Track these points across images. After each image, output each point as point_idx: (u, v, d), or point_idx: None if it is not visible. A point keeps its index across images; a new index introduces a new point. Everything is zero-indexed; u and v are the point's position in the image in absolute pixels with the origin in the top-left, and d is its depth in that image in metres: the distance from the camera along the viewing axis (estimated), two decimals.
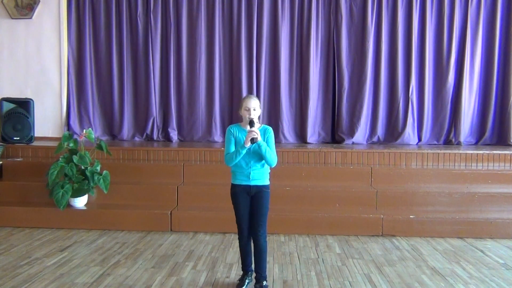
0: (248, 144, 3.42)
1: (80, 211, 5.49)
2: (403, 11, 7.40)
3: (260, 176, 3.61)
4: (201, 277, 3.93)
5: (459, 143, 7.36)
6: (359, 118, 7.42)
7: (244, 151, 3.48)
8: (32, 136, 6.81)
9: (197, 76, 7.54)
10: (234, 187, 3.67)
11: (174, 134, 7.57)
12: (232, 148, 3.58)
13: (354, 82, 7.48)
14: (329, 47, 7.51)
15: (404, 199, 5.54)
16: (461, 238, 5.17)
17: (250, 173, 3.57)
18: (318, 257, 4.47)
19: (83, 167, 5.48)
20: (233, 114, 7.60)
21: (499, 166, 6.25)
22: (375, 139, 7.51)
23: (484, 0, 7.34)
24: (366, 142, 7.49)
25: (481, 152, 6.34)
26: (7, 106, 6.75)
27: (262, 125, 3.64)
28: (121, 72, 7.59)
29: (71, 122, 7.57)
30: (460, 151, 6.36)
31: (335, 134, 7.59)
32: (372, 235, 5.21)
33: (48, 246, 4.74)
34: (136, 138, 7.67)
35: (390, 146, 7.02)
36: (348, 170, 5.97)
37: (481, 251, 4.74)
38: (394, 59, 7.41)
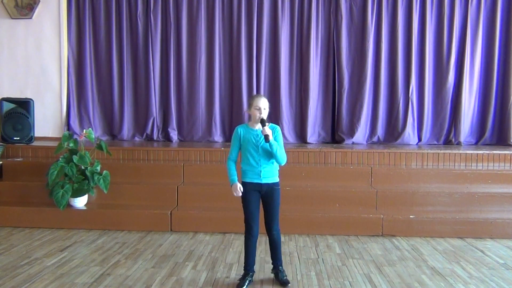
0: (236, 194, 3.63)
1: (80, 211, 5.49)
2: (403, 11, 7.40)
3: (270, 174, 3.69)
4: (201, 277, 3.93)
5: (459, 143, 7.36)
6: (359, 118, 7.42)
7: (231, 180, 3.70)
8: (32, 136, 6.81)
9: (197, 76, 7.54)
10: (245, 185, 3.71)
11: (174, 134, 7.57)
12: (236, 150, 3.73)
13: (354, 82, 7.48)
14: (329, 47, 7.51)
15: (404, 199, 5.54)
16: (461, 238, 5.17)
17: (261, 172, 3.66)
18: (318, 257, 4.47)
19: (83, 167, 5.48)
20: (233, 114, 7.60)
21: (499, 166, 6.25)
22: (375, 139, 7.51)
23: (484, 0, 7.34)
24: (366, 142, 7.49)
25: (481, 152, 6.35)
26: (7, 106, 6.75)
27: (270, 123, 3.71)
28: (121, 72, 7.59)
29: (71, 122, 7.57)
30: (460, 151, 6.36)
31: (335, 134, 7.59)
32: (372, 235, 5.21)
33: (48, 246, 4.74)
34: (136, 138, 7.67)
35: (390, 146, 7.02)
36: (348, 170, 5.97)
37: (481, 251, 4.74)
38: (394, 59, 7.42)
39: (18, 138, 6.72)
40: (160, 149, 6.53)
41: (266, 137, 3.51)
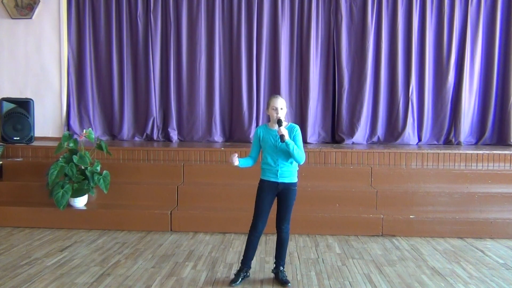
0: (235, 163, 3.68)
1: (80, 211, 5.49)
2: (403, 11, 7.40)
3: (288, 173, 3.73)
4: (201, 277, 3.93)
5: (459, 143, 7.36)
6: (359, 118, 7.42)
7: (243, 165, 3.78)
8: (32, 136, 6.81)
9: (197, 76, 7.54)
10: (262, 182, 3.79)
11: (174, 134, 7.57)
12: (255, 150, 3.83)
13: (354, 82, 7.48)
14: (329, 47, 7.51)
15: (404, 199, 5.54)
16: (461, 238, 5.17)
17: (278, 171, 3.71)
18: (318, 257, 4.47)
19: (83, 167, 5.48)
20: (233, 114, 7.61)
21: (499, 166, 6.25)
22: (375, 139, 7.51)
23: (484, 0, 7.34)
24: (366, 142, 7.49)
25: (481, 152, 6.35)
26: (7, 106, 6.74)
27: (289, 123, 3.77)
28: (121, 72, 7.59)
29: (71, 122, 7.57)
30: (460, 151, 6.36)
31: (335, 134, 7.59)
32: (372, 235, 5.21)
33: (48, 246, 4.74)
34: (136, 138, 7.67)
35: (390, 146, 7.03)
36: (348, 170, 5.97)
37: (481, 251, 4.74)
38: (394, 59, 7.42)
39: (18, 138, 6.71)
40: (160, 149, 6.53)
41: (282, 137, 3.56)
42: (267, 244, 4.83)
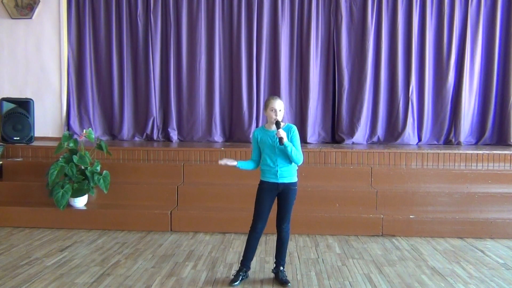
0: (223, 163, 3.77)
1: (80, 211, 5.49)
2: (403, 11, 7.40)
3: (287, 173, 3.74)
4: (201, 277, 3.93)
5: (459, 143, 7.36)
6: (359, 118, 7.42)
7: (242, 167, 3.82)
8: (32, 136, 6.81)
9: (197, 76, 7.54)
10: (262, 183, 3.81)
11: (174, 134, 7.57)
12: (255, 152, 3.84)
13: (354, 82, 7.48)
14: (329, 47, 7.51)
15: (404, 199, 5.54)
16: (461, 238, 5.17)
17: (277, 171, 3.72)
18: (318, 257, 4.47)
19: (83, 167, 5.48)
20: (233, 114, 7.61)
21: (499, 166, 6.25)
22: (375, 139, 7.51)
23: (484, 0, 7.34)
24: (366, 142, 7.49)
25: (481, 152, 6.35)
26: (7, 106, 6.74)
27: (286, 124, 3.77)
28: (121, 72, 7.59)
29: (71, 122, 7.57)
30: (460, 151, 6.36)
31: (335, 134, 7.59)
32: (372, 235, 5.21)
33: (48, 246, 4.74)
34: (136, 138, 7.67)
35: (390, 146, 7.03)
36: (348, 170, 5.97)
37: (481, 251, 4.74)
38: (394, 59, 7.42)
39: (18, 138, 6.71)
40: (160, 149, 6.53)
41: (280, 140, 3.56)
42: (267, 244, 4.83)
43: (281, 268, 3.83)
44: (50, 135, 7.49)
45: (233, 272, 3.92)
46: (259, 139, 3.79)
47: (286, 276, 3.81)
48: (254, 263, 3.94)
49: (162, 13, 7.56)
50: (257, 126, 7.38)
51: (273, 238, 5.00)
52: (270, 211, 3.81)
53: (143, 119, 7.64)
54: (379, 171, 5.90)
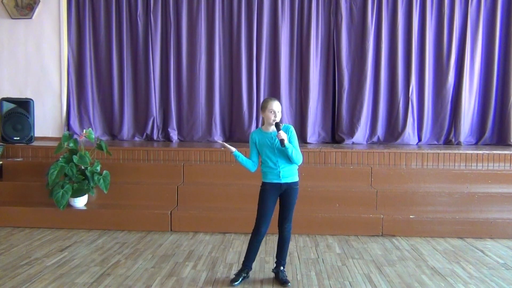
0: (233, 150, 3.75)
1: (80, 211, 5.49)
2: (403, 11, 7.40)
3: (290, 173, 3.75)
4: (201, 277, 3.93)
5: (459, 143, 7.36)
6: (359, 118, 7.42)
7: (239, 159, 3.80)
8: (32, 136, 6.81)
9: (197, 76, 7.54)
10: (264, 185, 3.79)
11: (174, 134, 7.57)
12: (254, 154, 3.82)
13: (354, 82, 7.48)
14: (329, 47, 7.51)
15: (404, 199, 5.54)
16: (461, 238, 5.17)
17: (280, 172, 3.71)
18: (318, 257, 4.47)
19: (83, 167, 5.48)
20: (233, 114, 7.61)
21: (499, 166, 6.24)
22: (375, 139, 7.51)
23: (484, 0, 7.34)
24: (366, 142, 7.49)
25: (481, 152, 6.34)
26: (7, 106, 6.75)
27: (284, 124, 3.75)
28: (121, 72, 7.59)
29: (71, 122, 7.57)
30: (460, 151, 6.36)
31: (335, 134, 7.59)
32: (372, 235, 5.21)
33: (48, 246, 4.74)
34: (136, 138, 7.67)
35: (390, 146, 7.03)
36: (348, 170, 5.97)
37: (481, 251, 4.74)
38: (394, 59, 7.42)
39: (18, 138, 6.71)
40: (160, 149, 6.53)
41: (282, 142, 3.56)
42: (267, 244, 4.83)
43: (282, 268, 3.84)
44: (50, 135, 7.49)
45: (234, 271, 3.91)
46: (257, 142, 3.78)
47: (286, 276, 3.82)
48: (254, 263, 3.94)
49: (162, 13, 7.56)
50: (257, 126, 7.38)
51: (273, 238, 5.01)
52: (272, 214, 3.80)
53: (143, 119, 7.64)
54: (379, 171, 5.90)
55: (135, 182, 5.84)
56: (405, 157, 6.27)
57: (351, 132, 7.44)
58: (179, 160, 6.30)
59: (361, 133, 7.44)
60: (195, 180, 5.88)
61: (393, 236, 5.21)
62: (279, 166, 3.71)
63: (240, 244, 4.79)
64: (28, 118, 6.79)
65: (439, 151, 6.34)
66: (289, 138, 3.68)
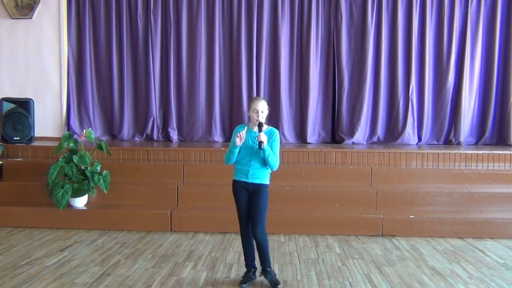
0: (239, 143, 3.56)
1: (80, 211, 5.49)
2: (403, 11, 7.40)
3: (259, 175, 3.68)
4: (201, 277, 3.93)
5: (459, 143, 7.36)
6: (359, 118, 7.42)
7: (236, 150, 3.63)
8: (32, 136, 6.81)
9: (197, 76, 7.54)
10: (234, 183, 3.78)
11: (174, 134, 7.57)
12: (235, 149, 3.66)
13: (354, 82, 7.48)
14: (329, 47, 7.51)
15: (404, 199, 5.54)
16: (461, 238, 5.17)
17: (248, 171, 3.66)
18: (318, 257, 4.47)
19: (83, 167, 5.48)
20: (233, 114, 7.61)
21: (499, 166, 6.25)
22: (375, 139, 7.51)
23: (484, 0, 7.34)
24: (366, 142, 7.49)
25: (481, 152, 6.34)
26: (7, 106, 6.74)
27: (269, 127, 3.71)
28: (121, 72, 7.59)
29: (71, 122, 7.57)
30: (460, 151, 6.36)
31: (335, 134, 7.59)
32: (372, 235, 5.21)
33: (48, 246, 4.74)
34: (136, 138, 7.67)
35: (390, 146, 7.03)
36: (348, 170, 5.97)
37: (481, 251, 4.74)
38: (394, 59, 7.42)
39: (18, 138, 6.71)
40: (160, 149, 6.53)
41: (260, 144, 3.50)
42: None
43: (268, 269, 3.74)
44: (50, 135, 7.49)
45: (235, 272, 3.92)
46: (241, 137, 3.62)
47: (275, 275, 3.77)
48: (256, 263, 3.91)
49: (162, 13, 7.56)
50: None
51: (273, 238, 5.03)
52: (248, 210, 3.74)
53: (143, 119, 7.64)
54: (379, 171, 5.90)
55: (135, 182, 5.84)
56: (405, 157, 6.27)
57: (351, 132, 7.44)
58: (179, 160, 6.30)
59: (361, 133, 7.44)
60: (195, 180, 5.87)
61: (393, 236, 5.21)
62: (249, 166, 3.65)
63: (240, 244, 4.76)
64: (28, 118, 6.79)
65: (439, 151, 6.34)
66: (271, 142, 3.62)
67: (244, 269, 3.86)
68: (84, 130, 5.72)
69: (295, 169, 5.94)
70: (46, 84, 7.53)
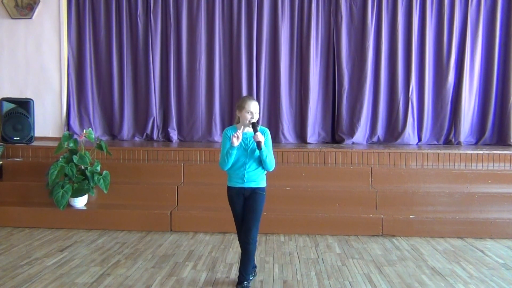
0: (236, 143, 3.36)
1: (80, 211, 5.49)
2: (403, 11, 7.40)
3: (255, 178, 3.53)
4: (201, 277, 3.93)
5: (459, 143, 7.36)
6: (359, 118, 7.42)
7: (234, 151, 3.43)
8: (32, 136, 6.81)
9: (197, 76, 7.54)
10: (229, 189, 3.62)
11: (174, 134, 7.57)
12: (233, 150, 3.47)
13: (354, 82, 7.48)
14: (329, 47, 7.51)
15: (404, 199, 5.54)
16: (461, 238, 5.17)
17: (244, 175, 3.51)
18: (318, 257, 4.47)
19: (83, 167, 5.48)
20: (233, 114, 7.59)
21: (499, 166, 6.25)
22: (375, 139, 7.51)
23: (484, 0, 7.34)
24: (366, 142, 7.49)
25: (481, 152, 6.35)
26: (7, 106, 6.74)
27: (260, 126, 3.54)
28: (121, 72, 7.59)
29: (71, 122, 7.57)
30: (460, 151, 6.36)
31: (335, 134, 7.59)
32: (372, 235, 5.21)
33: (48, 246, 4.74)
34: (136, 138, 7.67)
35: (390, 146, 7.03)
36: (348, 170, 5.97)
37: (481, 251, 4.74)
38: (394, 59, 7.42)
39: (18, 138, 6.71)
40: (160, 149, 6.53)
41: (259, 144, 3.34)
42: (267, 244, 4.83)
43: (245, 283, 3.52)
44: (50, 135, 7.49)
45: (235, 272, 3.91)
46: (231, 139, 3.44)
47: None
48: (251, 261, 3.91)
49: (162, 13, 7.56)
50: None
51: (273, 238, 5.03)
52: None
53: (143, 119, 7.64)
54: (379, 171, 5.90)
55: (135, 182, 5.84)
56: (405, 157, 6.27)
57: (351, 132, 7.44)
58: (179, 160, 6.30)
59: (361, 133, 7.44)
60: (195, 180, 5.87)
61: (393, 236, 5.21)
62: (245, 169, 3.48)
63: None
64: (28, 118, 6.79)
65: (439, 151, 6.34)
66: (265, 141, 3.43)
67: None
68: (84, 130, 5.72)
69: (295, 169, 5.94)
70: (46, 84, 7.53)
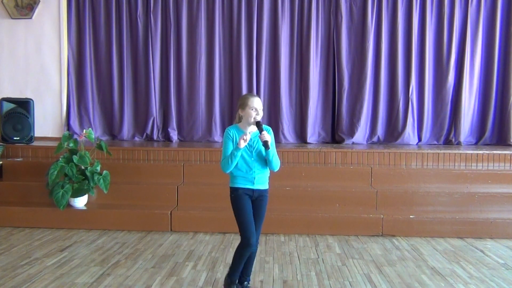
0: (243, 145, 3.19)
1: (80, 211, 5.49)
2: (403, 11, 7.40)
3: (263, 180, 3.42)
4: (201, 277, 3.93)
5: (459, 143, 7.36)
6: (359, 118, 7.42)
7: (239, 153, 3.24)
8: (32, 136, 6.81)
9: (197, 76, 7.54)
10: (237, 190, 3.34)
11: (174, 134, 7.57)
12: (238, 152, 3.26)
13: (354, 82, 7.48)
14: (329, 47, 7.51)
15: (404, 199, 5.54)
16: (461, 238, 5.17)
17: (254, 178, 3.33)
18: (318, 257, 4.47)
19: (83, 167, 5.48)
20: (233, 114, 7.59)
21: (499, 166, 6.25)
22: (375, 139, 7.51)
23: (484, 0, 7.34)
24: (366, 142, 7.49)
25: (481, 152, 6.34)
26: (7, 106, 6.74)
27: (262, 125, 3.43)
28: (121, 72, 7.59)
29: (71, 122, 7.57)
30: (460, 151, 6.36)
31: (335, 134, 7.59)
32: (372, 235, 5.21)
33: (48, 246, 4.74)
34: (136, 138, 7.67)
35: (390, 146, 7.03)
36: (348, 170, 5.97)
37: (481, 251, 4.74)
38: (394, 59, 7.42)
39: (18, 138, 6.71)
40: (160, 149, 6.53)
41: (266, 144, 3.17)
42: (267, 244, 4.83)
43: (246, 283, 3.46)
44: (50, 135, 7.49)
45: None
46: (234, 140, 3.28)
47: None
48: (254, 263, 3.90)
49: (162, 13, 7.56)
50: None
51: (273, 238, 5.03)
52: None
53: (143, 119, 7.64)
54: (379, 171, 5.90)
55: (135, 182, 5.84)
56: (405, 157, 6.27)
57: (351, 132, 7.44)
58: (179, 160, 6.30)
59: (361, 133, 7.44)
60: (195, 180, 5.87)
61: (393, 236, 5.21)
62: (254, 171, 3.31)
63: None
64: (28, 118, 6.79)
65: (439, 151, 6.34)
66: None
67: None
68: (84, 130, 5.72)
69: (295, 169, 5.94)
70: (46, 84, 7.53)
